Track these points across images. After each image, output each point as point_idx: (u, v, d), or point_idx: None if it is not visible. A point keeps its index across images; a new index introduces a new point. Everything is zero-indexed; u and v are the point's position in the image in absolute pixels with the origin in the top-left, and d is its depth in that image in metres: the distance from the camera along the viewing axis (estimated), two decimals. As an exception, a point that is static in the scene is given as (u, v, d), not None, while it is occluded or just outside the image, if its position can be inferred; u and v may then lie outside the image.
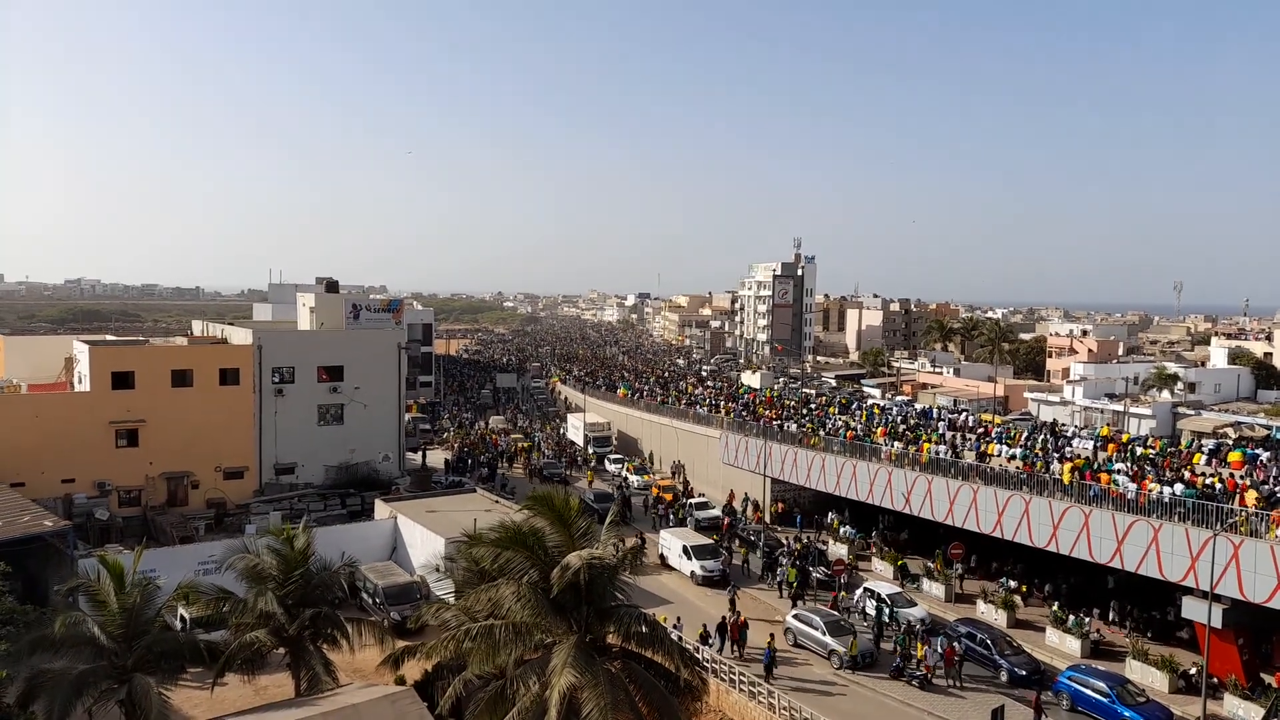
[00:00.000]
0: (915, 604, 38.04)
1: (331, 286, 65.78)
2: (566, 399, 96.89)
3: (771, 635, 34.41)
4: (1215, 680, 29.77)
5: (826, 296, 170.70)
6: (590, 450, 70.05)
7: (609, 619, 21.37)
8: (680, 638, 31.71)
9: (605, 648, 21.59)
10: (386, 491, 52.17)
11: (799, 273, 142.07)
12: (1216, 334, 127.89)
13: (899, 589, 40.05)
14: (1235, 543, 29.46)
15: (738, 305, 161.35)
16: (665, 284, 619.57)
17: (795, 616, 36.48)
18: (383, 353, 59.05)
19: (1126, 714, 28.60)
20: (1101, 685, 29.78)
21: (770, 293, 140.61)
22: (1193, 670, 31.02)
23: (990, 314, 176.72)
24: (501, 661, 20.67)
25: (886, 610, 36.97)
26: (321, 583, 26.48)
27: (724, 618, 35.39)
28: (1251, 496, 32.89)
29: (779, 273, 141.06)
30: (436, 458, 67.65)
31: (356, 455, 56.55)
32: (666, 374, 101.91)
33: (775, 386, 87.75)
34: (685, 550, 44.02)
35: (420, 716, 20.79)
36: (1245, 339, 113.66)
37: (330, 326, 60.80)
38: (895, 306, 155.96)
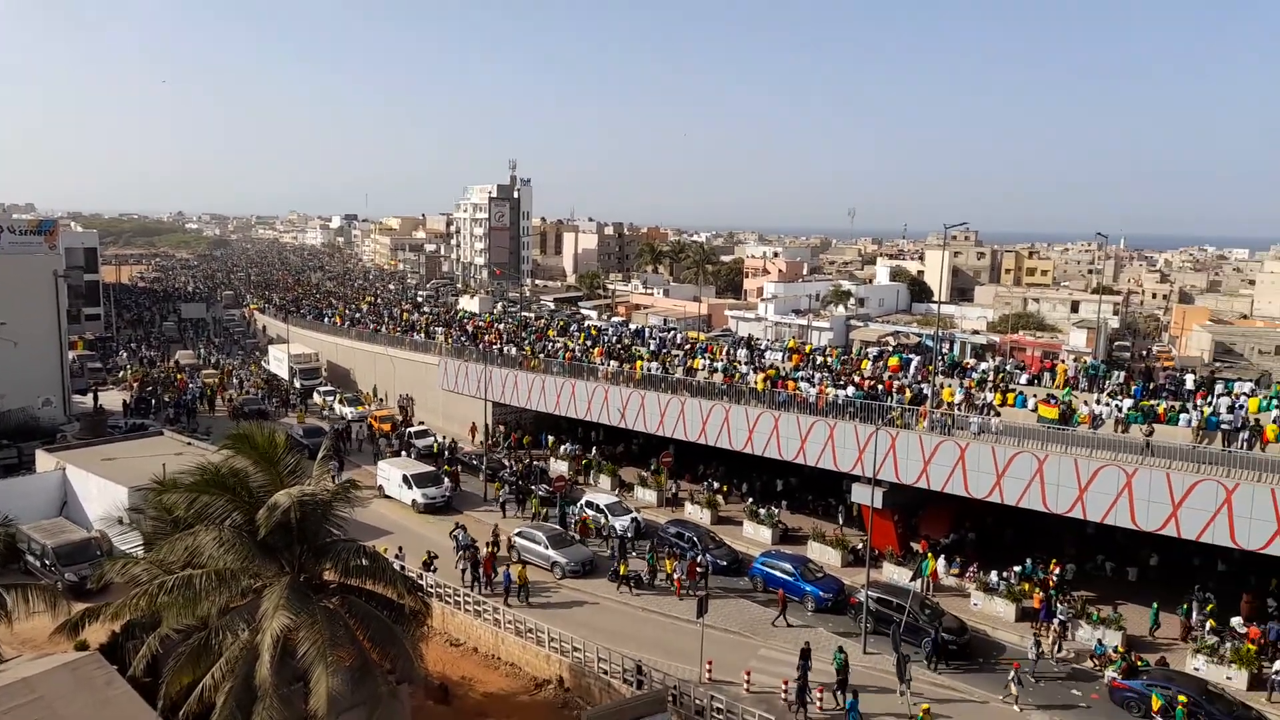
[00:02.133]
0: (630, 510, 40.45)
1: (-41, 203, 55.02)
2: (265, 329, 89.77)
3: (509, 561, 35.07)
4: (876, 552, 34.83)
5: (544, 220, 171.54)
6: (297, 384, 65.73)
7: (325, 555, 20.48)
8: (403, 567, 31.29)
9: (322, 585, 20.72)
10: (50, 440, 45.66)
11: (515, 195, 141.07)
12: (881, 255, 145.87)
13: (616, 499, 42.32)
14: (892, 435, 34.29)
15: (453, 229, 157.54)
16: (374, 206, 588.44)
17: (519, 534, 37.33)
18: (34, 282, 51.01)
19: (808, 589, 32.74)
20: (787, 566, 33.76)
21: (487, 215, 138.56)
22: (859, 545, 36.02)
23: (696, 238, 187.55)
24: (204, 612, 19.12)
25: (604, 519, 39.08)
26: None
27: (476, 551, 34.97)
28: (906, 395, 38.32)
29: (495, 195, 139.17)
30: (113, 399, 60.04)
31: (7, 401, 48.73)
32: (379, 300, 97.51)
33: (494, 311, 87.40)
34: (405, 479, 43.18)
35: (108, 680, 18.79)
36: (903, 259, 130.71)
37: (-39, 251, 51.12)
38: (610, 231, 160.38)
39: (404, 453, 49.78)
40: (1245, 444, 30.77)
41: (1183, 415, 33.70)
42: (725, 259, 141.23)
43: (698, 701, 24.20)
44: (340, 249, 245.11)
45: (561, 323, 74.32)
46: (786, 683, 26.37)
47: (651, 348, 55.03)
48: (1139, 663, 27.46)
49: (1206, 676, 27.16)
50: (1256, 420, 32.42)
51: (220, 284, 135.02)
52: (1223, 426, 32.05)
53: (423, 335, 64.18)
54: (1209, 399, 36.26)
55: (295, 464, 20.89)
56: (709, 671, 27.25)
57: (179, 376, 67.32)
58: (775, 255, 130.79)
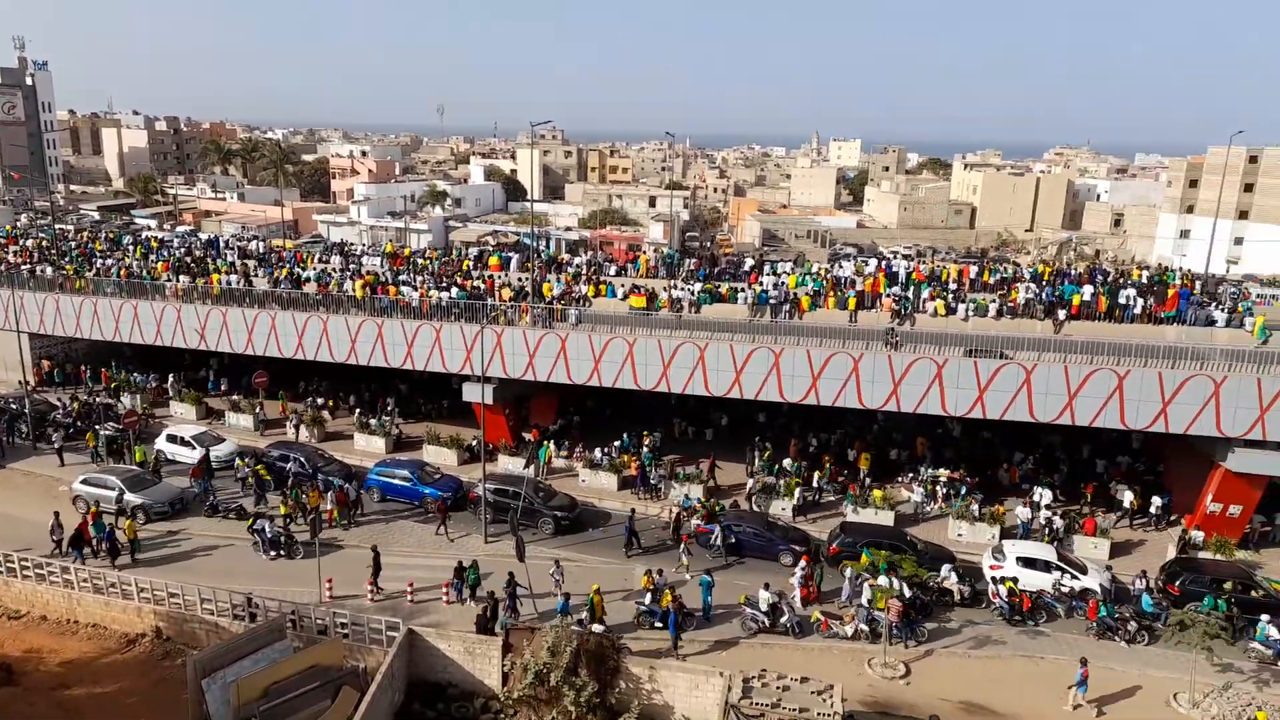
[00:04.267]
0: (222, 439, 36.97)
1: None
2: None
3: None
4: (491, 446, 35.84)
5: (73, 114, 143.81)
6: None
7: None
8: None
9: None
10: None
11: (29, 81, 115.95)
12: (474, 154, 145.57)
13: (204, 428, 38.31)
14: (498, 332, 34.96)
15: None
16: None
17: (84, 481, 32.25)
18: None
19: (427, 491, 32.79)
20: (404, 472, 33.43)
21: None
22: (474, 442, 36.75)
23: (271, 135, 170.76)
24: None
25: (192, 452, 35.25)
26: None
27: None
28: (507, 293, 39.16)
29: (2, 81, 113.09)
30: None
31: None
32: None
33: (16, 224, 72.25)
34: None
35: None
36: (496, 159, 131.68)
37: None
38: (163, 126, 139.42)
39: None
40: (787, 315, 36.46)
41: (740, 294, 38.86)
42: (307, 158, 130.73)
43: (319, 621, 23.31)
44: None
45: (111, 234, 63.81)
46: (411, 585, 26.65)
47: (230, 259, 49.70)
48: (716, 508, 31.91)
49: (766, 511, 32.55)
50: (795, 294, 38.47)
51: None
52: (770, 301, 37.58)
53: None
54: (760, 279, 42.13)
55: None
56: (329, 590, 26.40)
57: None
58: (364, 154, 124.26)
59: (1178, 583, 27.15)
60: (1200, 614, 23.40)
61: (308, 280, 42.36)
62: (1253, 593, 26.52)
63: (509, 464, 35.67)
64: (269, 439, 38.26)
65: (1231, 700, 22.57)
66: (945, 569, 27.48)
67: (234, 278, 42.07)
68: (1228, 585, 26.38)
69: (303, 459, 34.41)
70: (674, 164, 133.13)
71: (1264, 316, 34.40)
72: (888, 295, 37.87)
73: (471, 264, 48.17)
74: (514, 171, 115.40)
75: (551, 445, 36.81)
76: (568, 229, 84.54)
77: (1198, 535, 30.30)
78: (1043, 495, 32.71)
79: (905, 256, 64.25)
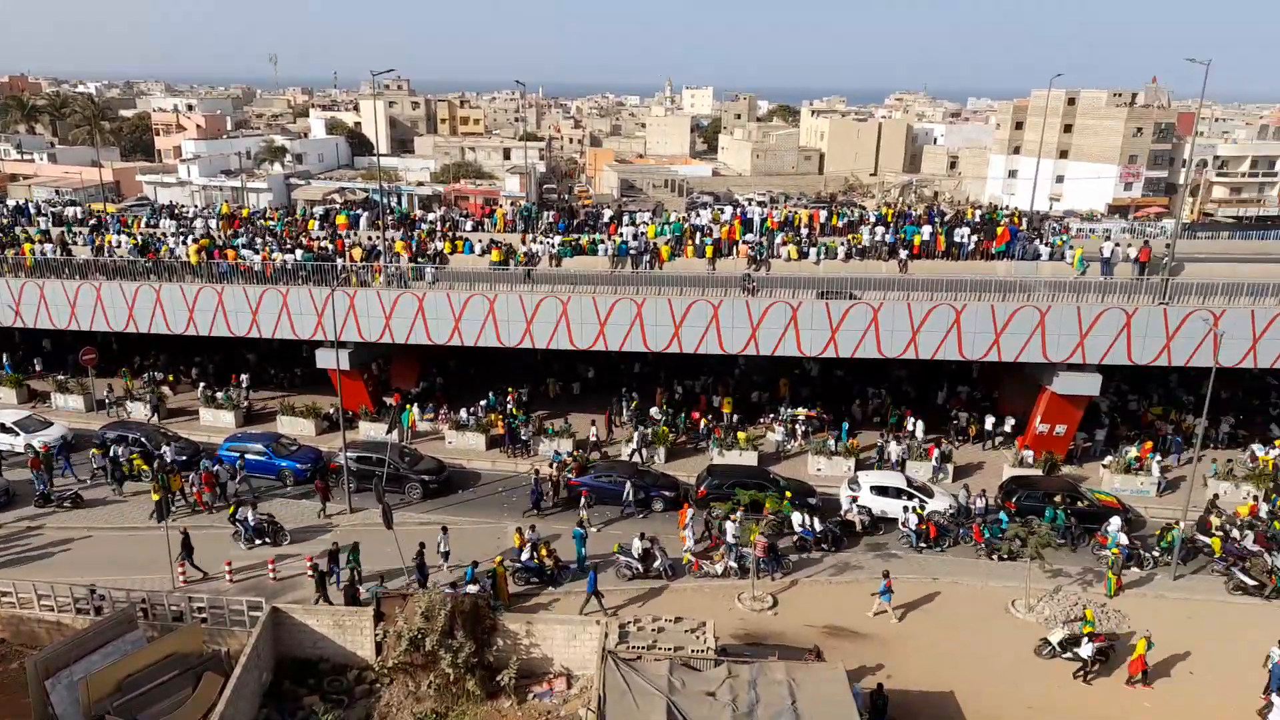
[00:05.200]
0: (50, 423, 34.14)
1: None
2: None
3: None
4: (351, 413, 34.60)
5: None
6: None
7: None
8: None
9: None
10: None
11: None
12: (314, 106, 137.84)
13: (27, 413, 35.27)
14: (350, 294, 33.51)
15: None
16: None
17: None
18: None
19: (283, 464, 31.43)
20: (258, 446, 31.88)
21: None
22: (332, 410, 35.38)
23: (82, 88, 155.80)
24: None
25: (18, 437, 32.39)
26: None
27: None
28: (358, 253, 37.52)
29: None
30: None
31: None
32: None
33: None
34: None
35: None
36: (338, 111, 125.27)
37: None
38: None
39: None
40: (648, 265, 36.68)
41: (600, 245, 38.74)
42: (126, 113, 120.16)
43: (174, 608, 22.08)
44: None
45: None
46: (272, 562, 25.65)
47: (43, 226, 45.36)
48: (587, 461, 32.11)
49: (638, 460, 33.02)
50: (654, 244, 38.69)
51: None
52: (631, 252, 37.67)
53: None
54: (619, 230, 42.08)
55: None
56: (182, 575, 25.05)
57: None
58: (190, 109, 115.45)
59: (1014, 499, 29.48)
60: (1034, 528, 25.51)
61: (135, 246, 39.16)
62: (1079, 503, 29.15)
63: (371, 430, 34.56)
64: (102, 420, 35.57)
65: (1061, 602, 24.86)
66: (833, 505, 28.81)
67: (49, 247, 38.39)
68: (1058, 499, 28.86)
69: (143, 438, 32.22)
70: (527, 114, 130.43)
71: (1082, 249, 37.28)
72: (744, 242, 38.65)
73: (318, 224, 45.80)
74: (358, 125, 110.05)
75: (415, 408, 35.91)
76: (420, 184, 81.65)
77: (1028, 454, 32.92)
78: (916, 425, 34.63)
79: (760, 204, 65.70)
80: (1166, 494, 31.76)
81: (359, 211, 49.50)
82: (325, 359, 34.14)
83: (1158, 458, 32.65)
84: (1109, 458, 33.24)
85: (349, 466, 29.80)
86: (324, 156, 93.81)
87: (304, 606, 22.17)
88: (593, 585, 23.99)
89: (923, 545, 27.81)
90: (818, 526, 27.58)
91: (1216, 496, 30.61)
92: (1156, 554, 27.10)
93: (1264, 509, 29.36)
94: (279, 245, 39.17)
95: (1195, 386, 37.04)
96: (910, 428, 34.65)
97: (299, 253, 36.94)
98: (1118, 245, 37.41)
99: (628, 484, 30.00)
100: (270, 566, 25.72)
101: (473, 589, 23.36)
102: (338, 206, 58.24)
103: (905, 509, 28.63)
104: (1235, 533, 27.80)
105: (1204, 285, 32.03)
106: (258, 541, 27.47)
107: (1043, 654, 22.74)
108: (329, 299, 32.21)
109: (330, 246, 39.15)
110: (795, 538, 27.49)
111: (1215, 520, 28.46)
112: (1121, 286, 32.71)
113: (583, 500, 29.36)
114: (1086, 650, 21.86)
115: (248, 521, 27.51)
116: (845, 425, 34.80)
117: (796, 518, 27.57)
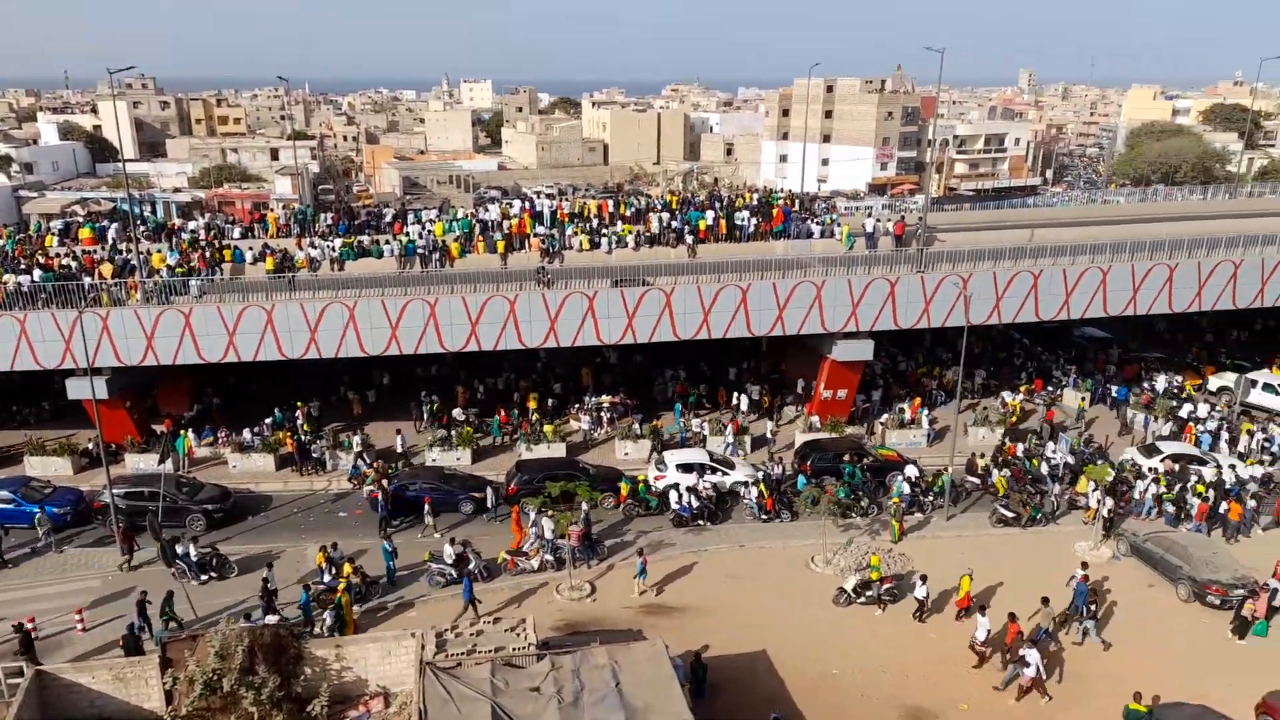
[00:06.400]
0: None
1: None
2: None
3: None
4: (115, 446, 31.24)
5: None
6: None
7: None
8: None
9: None
10: None
11: None
12: (42, 109, 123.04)
13: None
14: (102, 316, 30.14)
15: None
16: None
17: None
18: None
19: (34, 510, 27.81)
20: (4, 493, 28.11)
21: None
22: (90, 444, 31.82)
23: None
24: None
25: None
26: None
27: None
28: (107, 269, 33.84)
29: None
30: None
31: None
32: None
33: None
34: None
35: None
36: (72, 113, 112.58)
37: None
38: None
39: None
40: (438, 263, 35.69)
41: (386, 247, 37.22)
42: None
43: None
44: None
45: None
46: (79, 611, 22.81)
47: None
48: (390, 471, 30.83)
49: (442, 463, 32.15)
50: (443, 242, 37.67)
51: None
52: (419, 251, 36.48)
53: None
54: (405, 229, 40.57)
55: None
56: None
57: None
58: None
59: (809, 461, 31.39)
60: (823, 488, 27.19)
61: None
62: (865, 459, 31.48)
63: (139, 463, 31.40)
64: None
65: (854, 553, 26.78)
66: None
67: None
68: (847, 457, 31.02)
69: None
70: (294, 112, 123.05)
71: (848, 226, 40.15)
72: (535, 235, 38.47)
73: (56, 239, 40.85)
74: (98, 128, 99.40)
75: (190, 434, 33.01)
76: (177, 190, 75.01)
77: (815, 419, 35.15)
78: (741, 400, 36.12)
79: (548, 196, 65.73)
80: (935, 443, 34.94)
81: (106, 224, 44.64)
82: (78, 389, 30.58)
83: (926, 412, 35.89)
84: (885, 415, 36.15)
85: (116, 504, 26.87)
86: (59, 165, 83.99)
87: (74, 665, 19.79)
88: (468, 594, 23.24)
89: (764, 516, 29.05)
90: (694, 503, 28.53)
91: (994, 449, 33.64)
92: (930, 498, 29.81)
93: (1020, 449, 32.96)
94: (10, 267, 34.60)
95: (951, 344, 40.96)
96: (736, 401, 36.35)
97: (37, 273, 32.81)
98: (879, 221, 40.59)
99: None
100: (77, 616, 22.87)
101: (272, 619, 21.82)
102: (80, 219, 52.24)
103: (710, 484, 29.74)
104: (995, 473, 31.04)
105: (953, 253, 35.47)
106: (203, 577, 25.15)
107: (839, 602, 24.40)
108: (76, 322, 28.87)
109: (74, 264, 35.06)
110: (672, 514, 28.62)
111: (980, 461, 31.66)
112: (884, 258, 35.55)
113: (426, 508, 28.39)
114: (874, 592, 24.02)
115: (189, 557, 25.01)
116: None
117: (673, 495, 28.60)
